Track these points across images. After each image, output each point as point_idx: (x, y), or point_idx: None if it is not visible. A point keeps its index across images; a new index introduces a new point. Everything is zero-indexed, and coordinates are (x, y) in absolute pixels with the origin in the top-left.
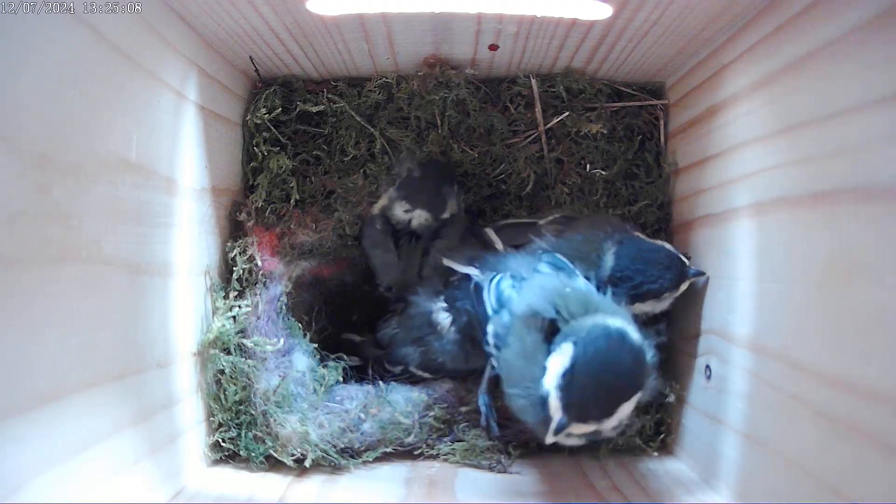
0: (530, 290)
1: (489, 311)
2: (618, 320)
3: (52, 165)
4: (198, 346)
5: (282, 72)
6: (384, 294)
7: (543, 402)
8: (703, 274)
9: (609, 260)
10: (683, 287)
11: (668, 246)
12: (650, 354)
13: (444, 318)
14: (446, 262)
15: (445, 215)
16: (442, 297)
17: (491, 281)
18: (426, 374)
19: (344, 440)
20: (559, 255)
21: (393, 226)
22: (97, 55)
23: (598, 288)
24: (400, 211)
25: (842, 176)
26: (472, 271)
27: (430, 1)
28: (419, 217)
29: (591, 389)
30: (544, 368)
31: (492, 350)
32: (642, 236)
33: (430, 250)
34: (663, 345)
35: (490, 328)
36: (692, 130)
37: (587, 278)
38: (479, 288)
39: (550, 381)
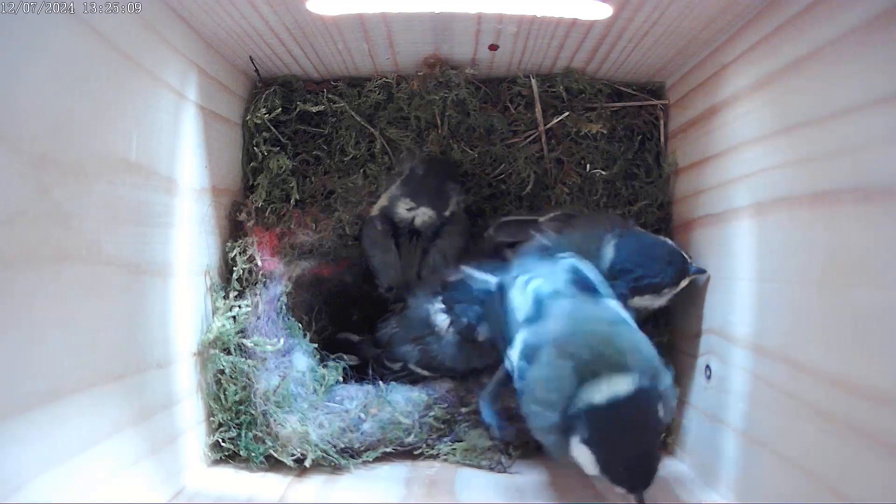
0: (556, 319)
1: (519, 317)
2: (627, 380)
3: (52, 165)
4: (198, 346)
5: (282, 72)
6: (384, 294)
7: (563, 430)
8: (704, 272)
9: (609, 252)
10: (683, 283)
11: (670, 242)
12: (664, 406)
13: (442, 320)
14: (468, 271)
15: (447, 213)
16: (440, 298)
17: (525, 282)
18: (425, 372)
19: (344, 440)
20: (581, 267)
21: (394, 224)
22: (97, 55)
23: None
24: (403, 209)
25: (842, 176)
26: (494, 280)
27: (430, 1)
28: (423, 215)
29: (626, 474)
30: (568, 398)
31: (514, 360)
32: (644, 231)
33: (430, 250)
34: (663, 345)
35: (522, 336)
36: (692, 130)
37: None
38: (503, 289)
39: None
